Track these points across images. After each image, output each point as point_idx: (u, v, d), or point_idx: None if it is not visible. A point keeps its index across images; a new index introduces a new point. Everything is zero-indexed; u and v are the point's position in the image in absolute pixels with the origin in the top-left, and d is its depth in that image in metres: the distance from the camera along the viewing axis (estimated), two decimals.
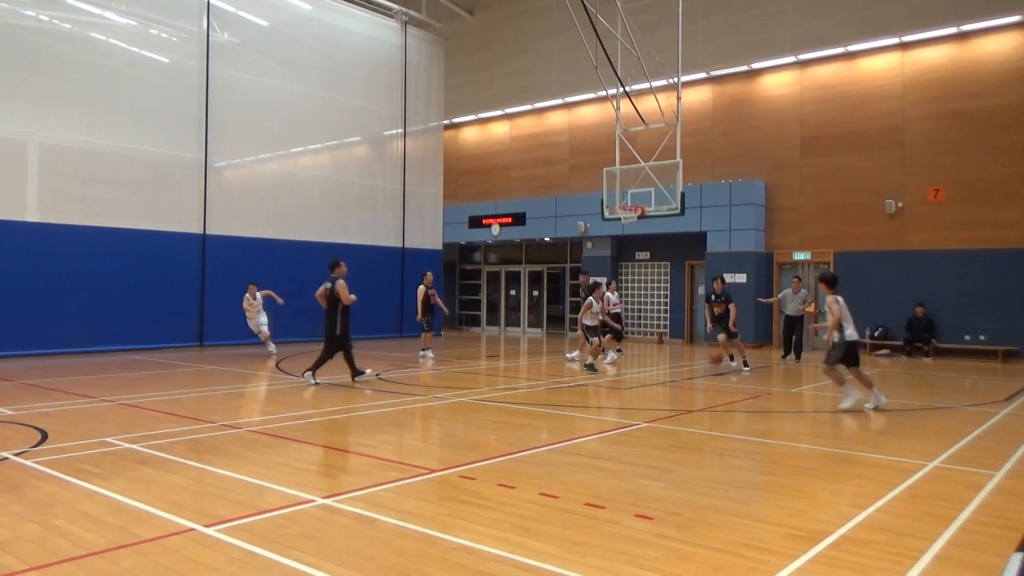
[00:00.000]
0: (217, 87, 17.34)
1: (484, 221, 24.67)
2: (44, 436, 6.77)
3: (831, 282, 9.49)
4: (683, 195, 15.47)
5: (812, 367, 14.58)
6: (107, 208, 15.62)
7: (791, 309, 15.64)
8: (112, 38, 16.12)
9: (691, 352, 18.41)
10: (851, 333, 9.06)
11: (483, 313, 27.09)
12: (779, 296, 15.73)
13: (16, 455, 6.01)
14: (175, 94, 16.77)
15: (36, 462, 5.80)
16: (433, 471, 5.72)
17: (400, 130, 21.86)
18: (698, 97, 21.11)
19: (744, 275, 19.59)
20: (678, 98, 15.59)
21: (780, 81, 20.08)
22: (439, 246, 23.12)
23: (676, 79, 15.77)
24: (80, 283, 15.04)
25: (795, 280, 16.04)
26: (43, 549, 3.90)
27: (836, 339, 9.07)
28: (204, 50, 17.19)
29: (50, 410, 8.28)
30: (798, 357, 15.61)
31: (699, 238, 20.61)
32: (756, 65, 20.22)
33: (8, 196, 14.37)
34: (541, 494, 5.06)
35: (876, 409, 8.89)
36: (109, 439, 6.72)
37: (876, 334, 17.99)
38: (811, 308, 15.32)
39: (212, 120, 17.25)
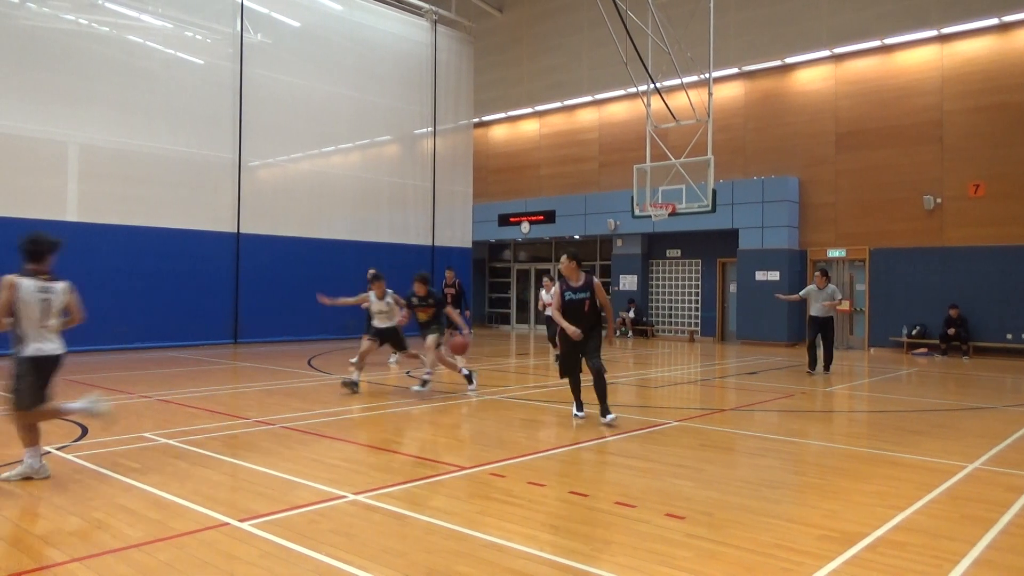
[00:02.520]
0: (250, 87, 17.58)
1: (514, 219, 24.67)
2: (84, 431, 6.92)
3: None
4: (715, 192, 15.32)
5: (844, 373, 14.35)
6: (144, 207, 15.92)
7: (816, 309, 12.90)
8: (148, 40, 16.42)
9: (723, 350, 18.22)
10: None
11: (512, 311, 27.10)
12: (801, 293, 13.39)
13: (58, 449, 6.16)
14: (209, 95, 17.03)
15: (77, 456, 5.94)
16: (463, 468, 5.74)
17: (430, 129, 21.94)
18: (730, 93, 20.87)
19: (777, 272, 19.32)
20: (709, 94, 15.45)
21: (814, 75, 19.76)
22: (469, 244, 23.19)
23: (707, 75, 15.63)
24: (118, 281, 15.34)
25: (818, 275, 12.97)
26: (84, 541, 4.00)
27: None
28: (238, 51, 17.43)
29: None
30: (827, 367, 13.00)
31: (731, 235, 20.39)
32: (790, 59, 19.92)
33: (49, 196, 14.71)
34: (571, 492, 5.06)
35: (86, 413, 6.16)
36: (146, 434, 6.86)
37: (913, 333, 17.64)
38: (845, 306, 14.06)
39: (245, 120, 17.49)
